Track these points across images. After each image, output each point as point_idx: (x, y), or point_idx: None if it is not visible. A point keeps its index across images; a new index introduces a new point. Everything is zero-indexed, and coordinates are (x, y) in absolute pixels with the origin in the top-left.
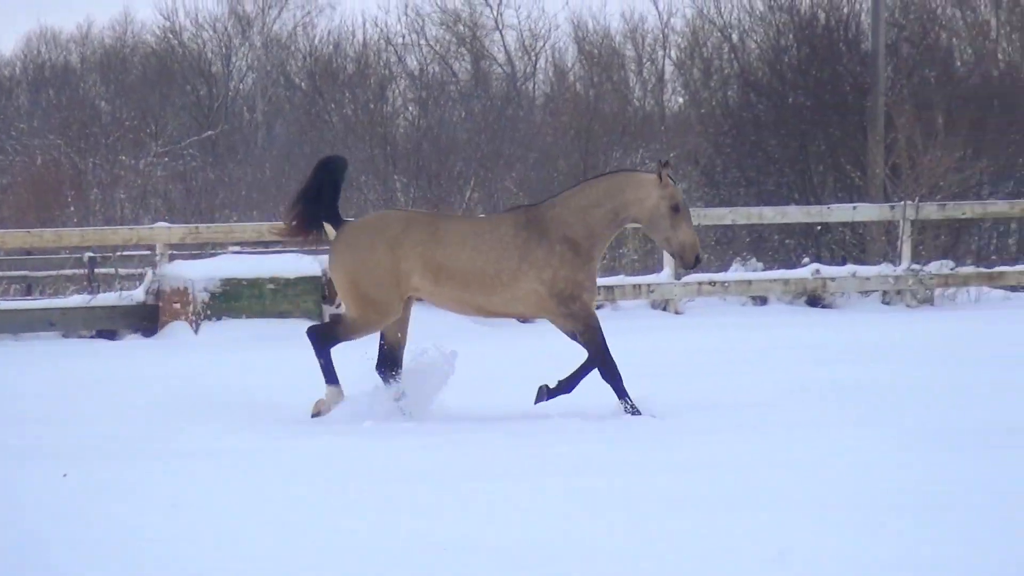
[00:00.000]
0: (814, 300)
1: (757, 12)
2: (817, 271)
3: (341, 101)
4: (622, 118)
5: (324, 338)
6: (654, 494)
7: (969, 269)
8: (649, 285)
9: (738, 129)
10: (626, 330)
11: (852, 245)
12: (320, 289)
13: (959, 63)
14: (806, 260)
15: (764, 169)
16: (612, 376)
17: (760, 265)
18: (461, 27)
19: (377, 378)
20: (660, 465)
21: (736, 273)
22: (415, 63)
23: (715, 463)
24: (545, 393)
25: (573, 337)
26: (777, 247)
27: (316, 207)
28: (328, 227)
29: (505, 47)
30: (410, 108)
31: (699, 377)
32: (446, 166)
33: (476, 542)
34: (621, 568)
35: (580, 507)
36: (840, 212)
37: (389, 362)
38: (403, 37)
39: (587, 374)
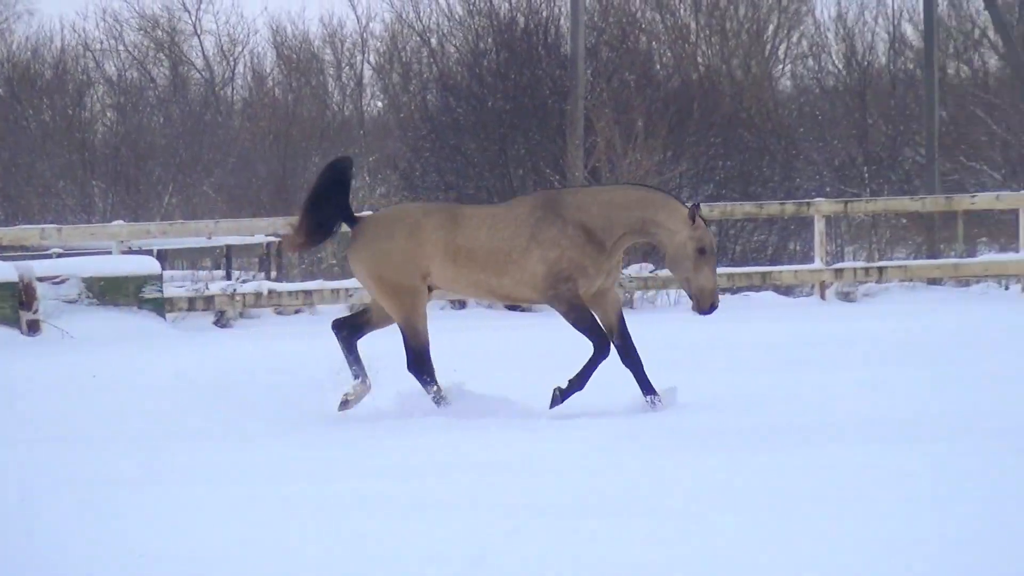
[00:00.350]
0: (512, 306)
1: (456, 16)
2: None
3: (39, 107)
4: (320, 123)
5: (421, 364)
6: None
7: (667, 273)
8: (347, 289)
9: (437, 133)
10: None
11: None
12: (18, 294)
13: (659, 66)
14: None
15: (464, 173)
16: (592, 363)
17: None
18: (159, 32)
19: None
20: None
21: None
22: (113, 69)
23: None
24: (559, 395)
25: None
26: None
27: (325, 212)
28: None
29: (204, 52)
30: (108, 114)
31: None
32: (144, 171)
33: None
34: None
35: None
36: None
37: (353, 327)
38: (101, 43)
39: (596, 367)
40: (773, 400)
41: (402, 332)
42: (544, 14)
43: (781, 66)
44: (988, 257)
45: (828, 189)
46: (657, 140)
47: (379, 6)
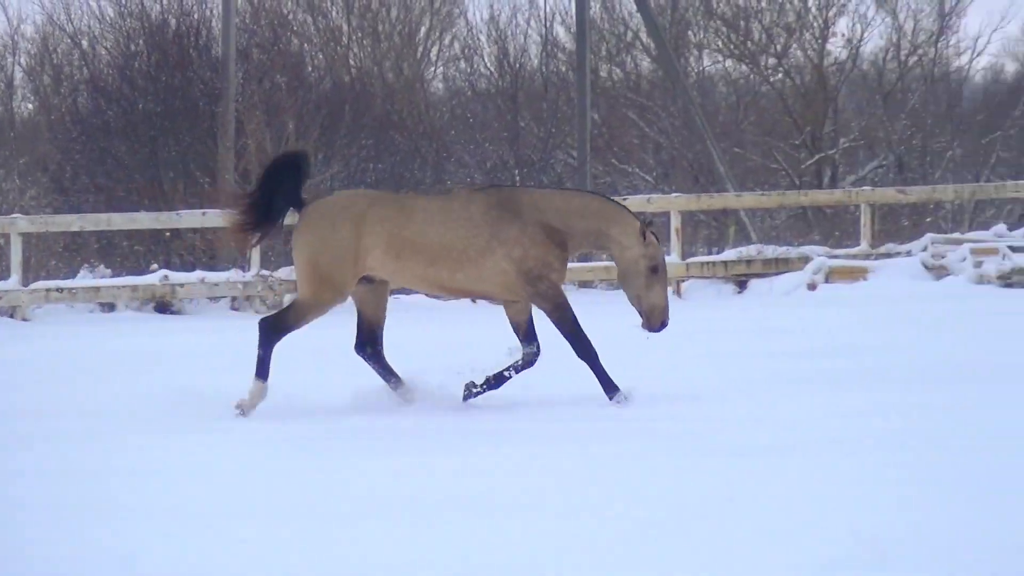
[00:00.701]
0: (163, 306)
1: (108, 18)
2: (166, 277)
3: None
4: None
5: (273, 328)
6: None
7: None
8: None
9: (88, 135)
10: None
11: (202, 251)
12: None
13: (311, 69)
14: (155, 266)
15: (114, 175)
16: (588, 355)
17: (108, 272)
18: None
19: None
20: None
21: (84, 280)
22: None
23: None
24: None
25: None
26: (127, 253)
27: (275, 200)
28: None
29: None
30: None
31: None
32: None
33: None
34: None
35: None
36: (190, 218)
37: (369, 341)
38: None
39: (601, 367)
40: None
41: (292, 305)
42: (196, 16)
43: (433, 68)
44: None
45: None
46: (308, 142)
47: (30, 8)
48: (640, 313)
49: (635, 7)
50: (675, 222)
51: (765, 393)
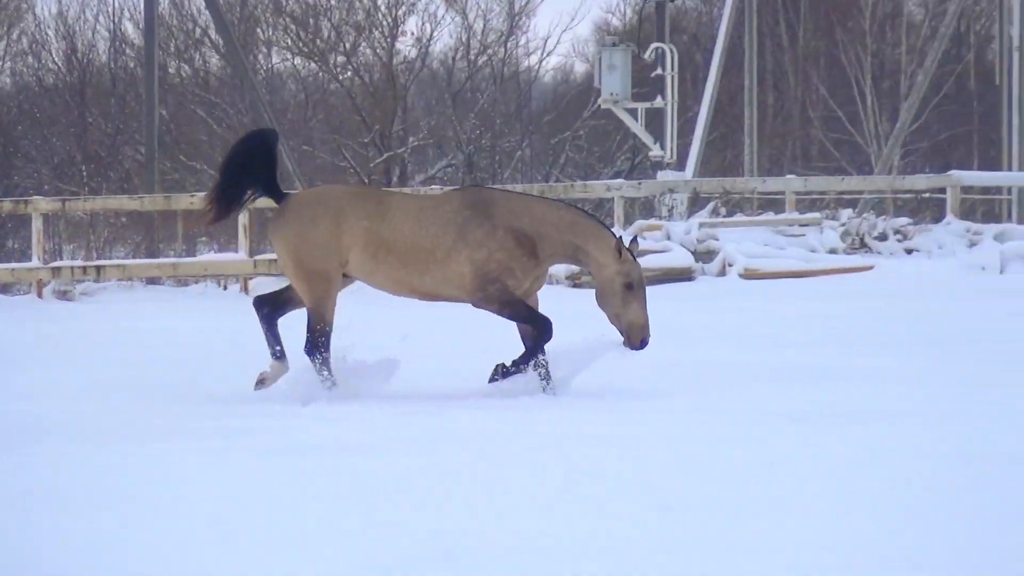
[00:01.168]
0: None
1: None
2: None
3: None
4: None
5: (317, 348)
6: None
7: None
8: None
9: None
10: None
11: None
12: None
13: None
14: None
15: None
16: (543, 334)
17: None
18: None
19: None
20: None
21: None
22: None
23: None
24: (500, 372)
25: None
26: None
27: (239, 181)
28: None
29: None
30: None
31: None
32: None
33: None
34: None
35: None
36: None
37: (272, 306)
38: None
39: (541, 347)
40: None
41: (309, 316)
42: None
43: (1, 63)
44: (208, 257)
45: (47, 187)
46: None
47: None
48: (620, 332)
49: (204, 4)
50: (243, 219)
51: None
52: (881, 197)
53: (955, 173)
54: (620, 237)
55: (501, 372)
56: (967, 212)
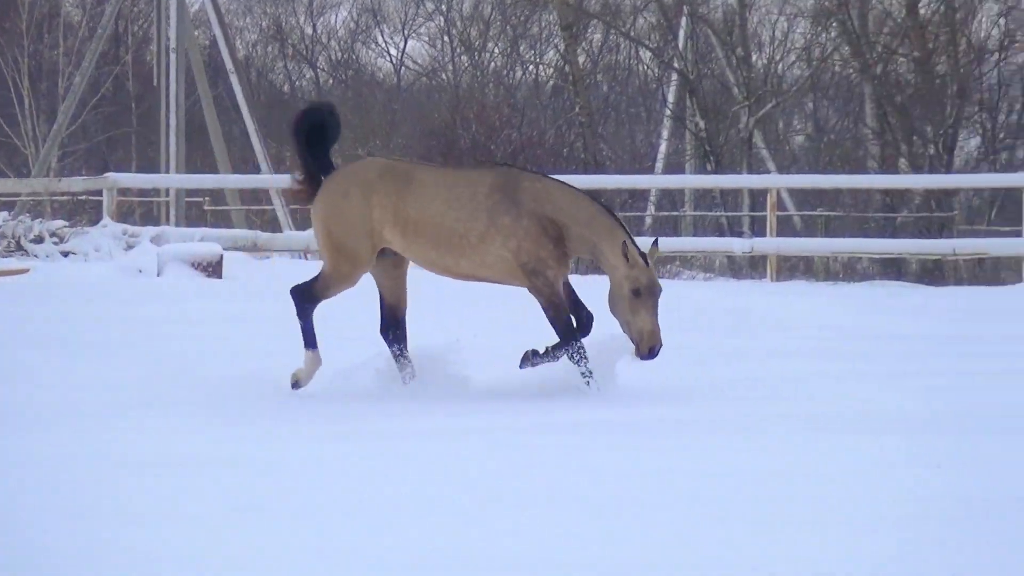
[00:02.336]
0: None
1: None
2: None
3: None
4: None
5: (304, 298)
6: None
7: None
8: None
9: None
10: None
11: None
12: None
13: None
14: None
15: None
16: (574, 356)
17: None
18: None
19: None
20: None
21: None
22: None
23: None
24: (531, 358)
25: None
26: None
27: (311, 159)
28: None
29: None
30: None
31: None
32: None
33: None
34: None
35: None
36: None
37: (392, 325)
38: None
39: (563, 351)
40: None
41: (318, 276)
42: None
43: None
44: None
45: None
46: None
47: None
48: (631, 339)
49: None
50: None
51: None
52: (38, 200)
53: (112, 175)
54: (631, 240)
55: (531, 358)
56: (126, 214)
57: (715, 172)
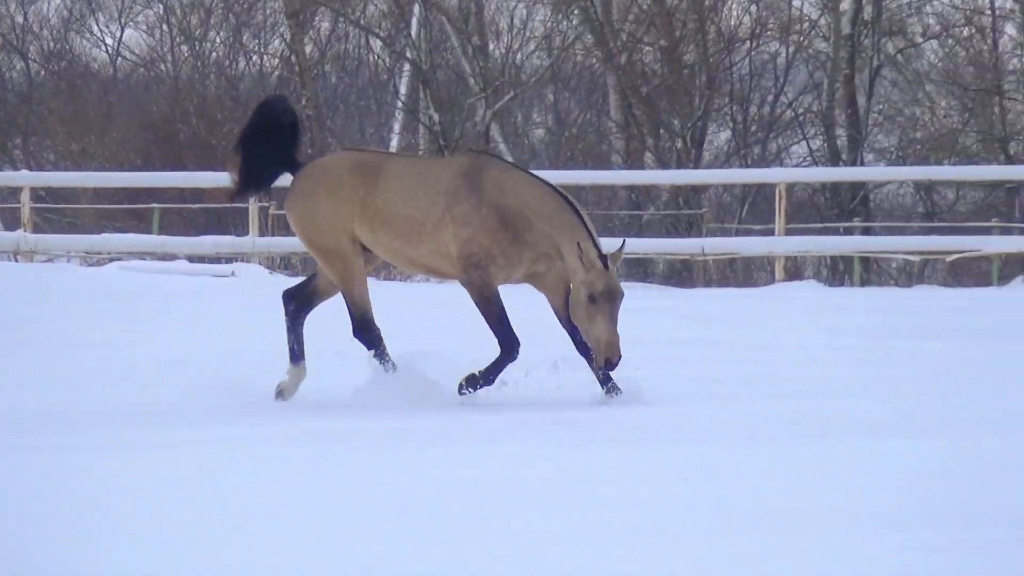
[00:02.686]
0: None
1: None
2: None
3: None
4: None
5: (361, 327)
6: None
7: None
8: None
9: None
10: None
11: None
12: None
13: None
14: None
15: None
16: (507, 350)
17: None
18: None
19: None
20: None
21: None
22: None
23: None
24: (464, 386)
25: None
26: None
27: (258, 157)
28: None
29: None
30: None
31: None
32: None
33: None
34: None
35: None
36: None
37: (301, 301)
38: None
39: (502, 368)
40: None
41: (343, 297)
42: None
43: None
44: None
45: None
46: None
47: None
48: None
49: None
50: None
51: None
52: None
53: None
54: (593, 240)
55: (466, 385)
56: None
57: None
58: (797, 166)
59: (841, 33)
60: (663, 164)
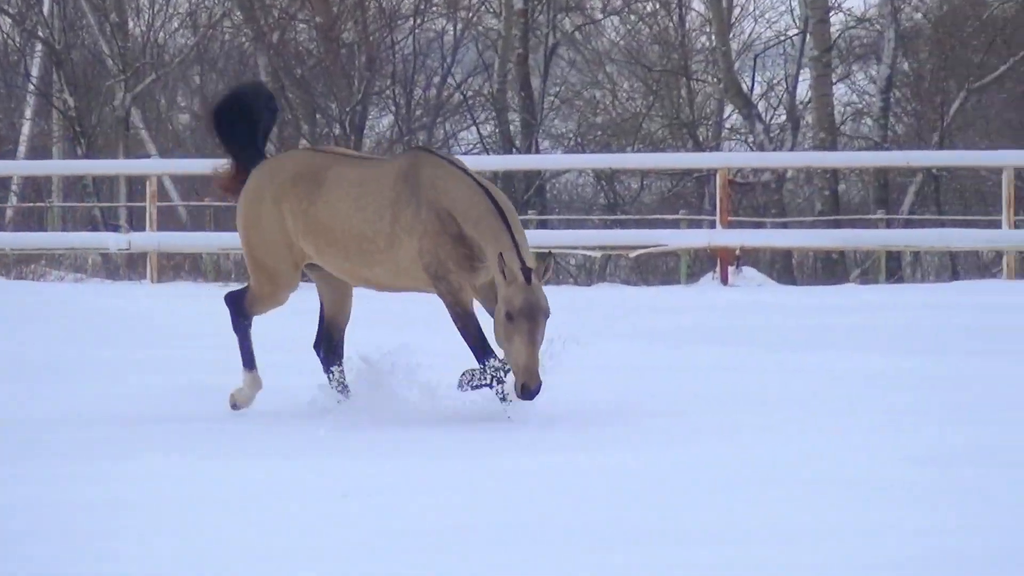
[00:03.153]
0: None
1: None
2: None
3: None
4: None
5: (237, 309)
6: None
7: None
8: None
9: None
10: None
11: None
12: None
13: None
14: None
15: None
16: (481, 356)
17: None
18: None
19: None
20: None
21: None
22: None
23: None
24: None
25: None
26: None
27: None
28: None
29: None
30: None
31: None
32: None
33: None
34: None
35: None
36: None
37: (326, 340)
38: None
39: (485, 376)
40: None
41: (246, 288)
42: None
43: None
44: None
45: None
46: None
47: None
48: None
49: None
50: None
51: None
52: None
53: None
54: (517, 250)
55: (468, 379)
56: None
57: (87, 156)
58: (467, 153)
59: (513, 8)
60: None
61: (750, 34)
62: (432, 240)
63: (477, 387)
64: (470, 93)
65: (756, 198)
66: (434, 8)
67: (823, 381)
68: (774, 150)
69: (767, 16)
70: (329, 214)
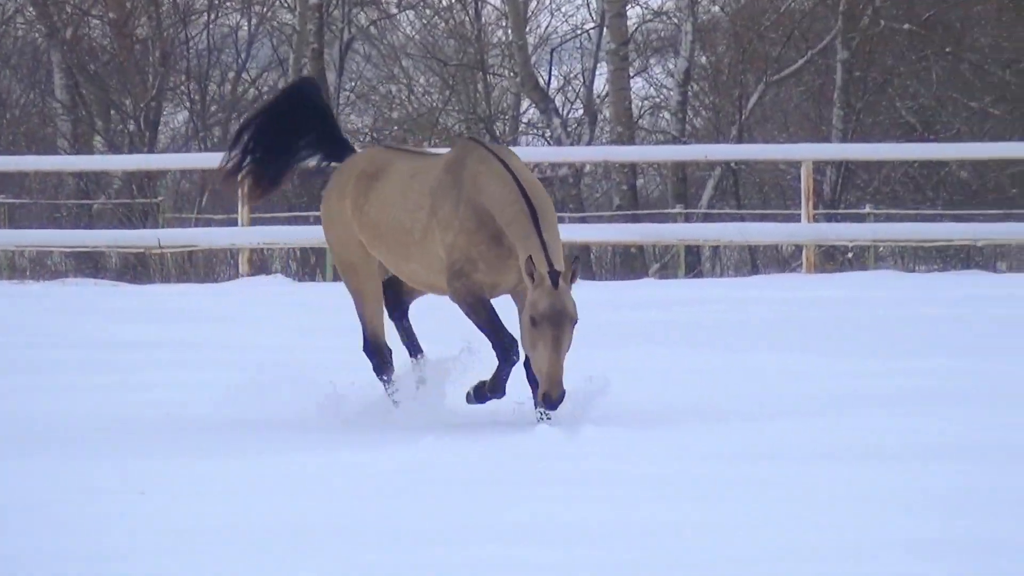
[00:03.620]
0: None
1: None
2: None
3: None
4: None
5: (370, 350)
6: None
7: None
8: None
9: None
10: None
11: None
12: None
13: None
14: None
15: None
16: (505, 355)
17: None
18: None
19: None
20: None
21: None
22: None
23: None
24: (472, 396)
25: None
26: None
27: (276, 150)
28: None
29: None
30: None
31: None
32: None
33: None
34: None
35: None
36: None
37: (395, 305)
38: None
39: (507, 375)
40: None
41: (362, 327)
42: None
43: None
44: None
45: None
46: None
47: None
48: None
49: None
50: None
51: None
52: None
53: None
54: (544, 252)
55: (474, 396)
56: None
57: None
58: None
59: (308, 3)
60: (114, 148)
61: (547, 28)
62: (467, 238)
63: (486, 399)
64: (265, 89)
65: (554, 193)
66: (228, 3)
67: (622, 378)
68: (571, 144)
69: (564, 10)
70: (379, 208)
